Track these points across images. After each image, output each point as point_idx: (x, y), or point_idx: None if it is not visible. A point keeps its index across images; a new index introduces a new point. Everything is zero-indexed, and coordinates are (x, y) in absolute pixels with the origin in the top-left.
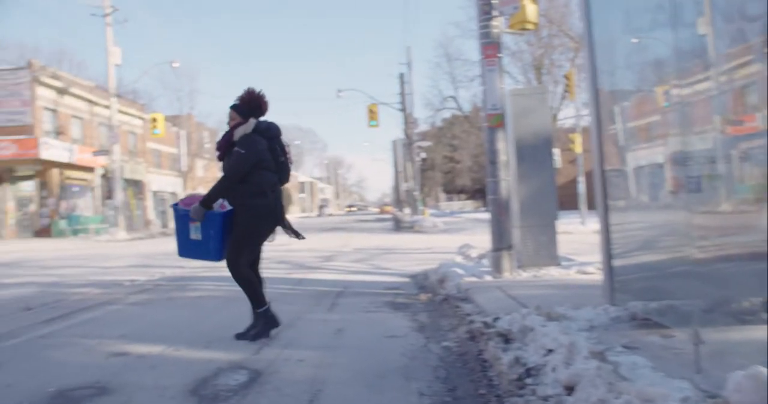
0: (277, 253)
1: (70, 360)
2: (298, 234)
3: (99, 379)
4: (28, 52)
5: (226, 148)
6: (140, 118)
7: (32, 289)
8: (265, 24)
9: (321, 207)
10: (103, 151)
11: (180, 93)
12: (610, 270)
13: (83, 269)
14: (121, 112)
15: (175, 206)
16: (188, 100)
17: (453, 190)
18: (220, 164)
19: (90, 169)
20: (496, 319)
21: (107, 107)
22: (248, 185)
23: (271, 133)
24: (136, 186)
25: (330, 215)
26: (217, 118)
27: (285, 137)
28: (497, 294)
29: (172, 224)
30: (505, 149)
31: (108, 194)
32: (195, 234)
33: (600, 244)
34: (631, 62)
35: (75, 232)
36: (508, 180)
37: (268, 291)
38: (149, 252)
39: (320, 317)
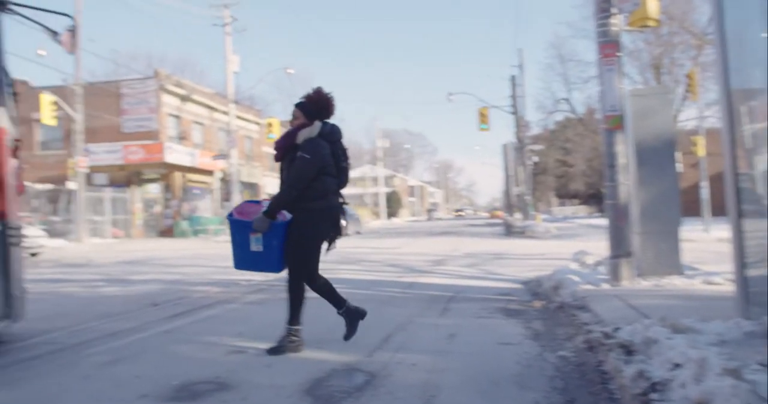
0: (386, 256)
1: (192, 355)
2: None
3: (219, 375)
4: (155, 62)
5: (286, 149)
6: (256, 123)
7: (157, 286)
8: (377, 28)
9: (430, 211)
10: (222, 155)
11: (294, 98)
12: (743, 281)
13: (203, 268)
14: (238, 117)
15: (230, 217)
16: None
17: (566, 195)
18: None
19: (209, 173)
20: (616, 329)
21: (226, 113)
22: (310, 190)
23: (335, 136)
24: (252, 189)
25: (439, 219)
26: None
27: (395, 141)
28: (616, 303)
29: None
30: (624, 152)
31: (226, 196)
32: (256, 245)
33: (731, 253)
34: (761, 59)
35: (195, 233)
36: (627, 184)
37: (378, 294)
38: None
39: (432, 321)
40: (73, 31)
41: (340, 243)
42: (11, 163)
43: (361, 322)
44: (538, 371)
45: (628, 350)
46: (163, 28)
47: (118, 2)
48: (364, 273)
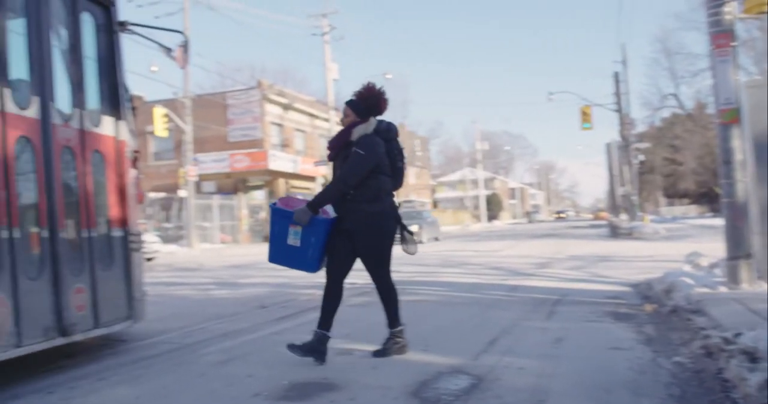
0: (489, 259)
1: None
2: (411, 249)
3: (326, 376)
4: (257, 73)
5: (340, 147)
6: None
7: (265, 289)
8: (474, 30)
9: (531, 213)
10: (324, 161)
11: (393, 103)
12: None
13: None
14: (338, 123)
15: (273, 206)
16: (401, 109)
17: (674, 195)
18: (340, 165)
19: (311, 178)
20: (737, 335)
21: (326, 120)
22: (364, 189)
23: (391, 134)
24: None
25: (541, 221)
26: (427, 127)
27: (494, 143)
28: (735, 307)
29: None
30: (740, 147)
31: None
32: (293, 239)
33: None
34: None
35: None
36: (745, 181)
37: (482, 297)
38: None
39: (538, 325)
40: (185, 47)
41: (441, 246)
42: (131, 174)
43: (466, 325)
44: (652, 377)
45: (752, 357)
46: (265, 40)
47: (221, 17)
48: (467, 276)
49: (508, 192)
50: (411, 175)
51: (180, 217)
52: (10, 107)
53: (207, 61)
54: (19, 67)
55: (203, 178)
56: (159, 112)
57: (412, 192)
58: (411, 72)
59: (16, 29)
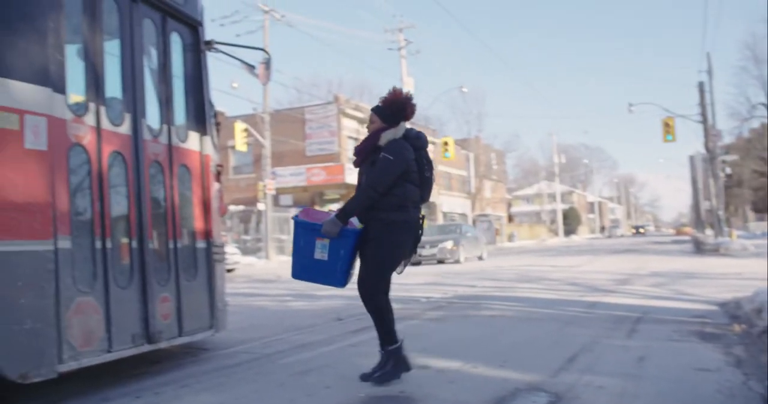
0: (566, 275)
1: None
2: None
3: (403, 389)
4: (334, 88)
5: (367, 153)
6: (432, 142)
7: (341, 302)
8: (552, 40)
9: (610, 227)
10: None
11: (468, 116)
12: None
13: None
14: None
15: (297, 218)
16: (476, 122)
17: (764, 209)
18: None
19: None
20: None
21: None
22: (390, 197)
23: (420, 142)
24: (427, 207)
25: (621, 236)
26: (503, 140)
27: (572, 156)
28: None
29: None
30: None
31: None
32: (321, 253)
33: None
34: None
35: None
36: None
37: (560, 313)
38: (441, 271)
39: (619, 343)
40: (267, 64)
41: (516, 260)
42: (215, 187)
43: (543, 341)
44: (743, 402)
45: None
46: (342, 55)
47: (300, 33)
48: (544, 291)
49: (586, 206)
50: (486, 189)
51: (258, 230)
52: (105, 124)
53: (285, 77)
54: (113, 86)
55: (281, 191)
56: (239, 127)
57: (487, 206)
58: (487, 84)
59: (112, 50)
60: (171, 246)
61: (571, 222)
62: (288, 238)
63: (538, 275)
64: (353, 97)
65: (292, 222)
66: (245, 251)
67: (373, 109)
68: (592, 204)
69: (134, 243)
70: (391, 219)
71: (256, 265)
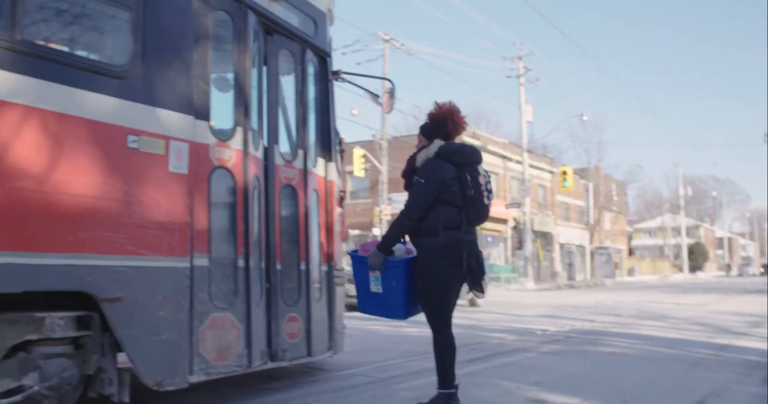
0: (693, 313)
1: (492, 400)
2: (481, 291)
3: None
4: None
5: (409, 175)
6: (549, 171)
7: (454, 330)
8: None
9: (741, 265)
10: (515, 204)
11: (588, 145)
12: None
13: (497, 315)
14: (531, 166)
15: (353, 253)
16: (596, 151)
17: None
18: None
19: (503, 221)
20: None
21: (519, 162)
22: (424, 222)
23: (463, 158)
24: (544, 238)
25: (753, 275)
26: (624, 170)
27: (699, 188)
28: None
29: (579, 276)
30: None
31: (518, 245)
32: (375, 286)
33: None
34: None
35: (488, 280)
36: None
37: (685, 354)
38: (557, 304)
39: (753, 390)
40: (390, 93)
41: (637, 296)
42: (337, 212)
43: (667, 382)
44: None
45: None
46: (460, 82)
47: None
48: (668, 330)
49: (714, 241)
50: (606, 220)
51: None
52: (245, 148)
53: (404, 104)
54: (253, 113)
55: (395, 216)
56: (358, 153)
57: (606, 238)
58: (608, 112)
59: (252, 79)
60: (302, 267)
61: (696, 257)
62: None
63: (662, 312)
64: (470, 125)
65: None
66: None
67: (420, 128)
68: (720, 239)
69: (263, 264)
70: (426, 247)
71: None
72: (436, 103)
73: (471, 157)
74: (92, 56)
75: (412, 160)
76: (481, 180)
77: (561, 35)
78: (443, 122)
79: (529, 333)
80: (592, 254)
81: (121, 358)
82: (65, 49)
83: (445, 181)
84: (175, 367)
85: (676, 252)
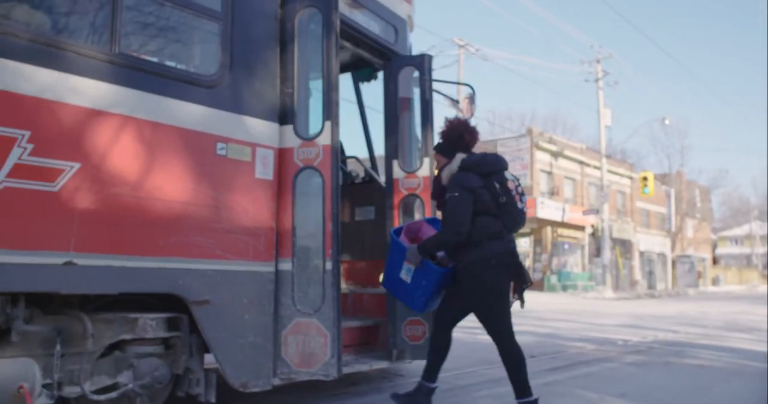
0: None
1: None
2: (523, 299)
3: None
4: (527, 120)
5: (440, 195)
6: (629, 177)
7: (532, 338)
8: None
9: None
10: (593, 211)
11: (670, 150)
12: None
13: (575, 324)
14: (610, 171)
15: (393, 232)
16: (678, 157)
17: None
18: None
19: (580, 228)
20: None
21: (597, 168)
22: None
23: (488, 166)
24: (623, 245)
25: None
26: (709, 175)
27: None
28: None
29: (660, 285)
30: None
31: (596, 252)
32: (405, 275)
33: None
34: None
35: (564, 288)
36: None
37: None
38: (638, 313)
39: None
40: (471, 98)
41: (724, 307)
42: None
43: (757, 399)
44: None
45: None
46: (535, 87)
47: (493, 66)
48: (759, 343)
49: None
50: (688, 228)
51: None
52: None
53: (479, 110)
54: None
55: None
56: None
57: (689, 246)
58: (691, 115)
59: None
60: None
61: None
62: None
63: (750, 325)
64: (547, 130)
65: None
66: None
67: (435, 148)
68: None
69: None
70: (472, 258)
71: None
72: (447, 120)
73: (495, 164)
74: (183, 66)
75: (437, 180)
76: (510, 185)
77: (640, 36)
78: (460, 136)
79: (610, 343)
80: (673, 262)
81: (208, 359)
82: (158, 60)
83: (476, 190)
84: (260, 369)
85: (765, 262)
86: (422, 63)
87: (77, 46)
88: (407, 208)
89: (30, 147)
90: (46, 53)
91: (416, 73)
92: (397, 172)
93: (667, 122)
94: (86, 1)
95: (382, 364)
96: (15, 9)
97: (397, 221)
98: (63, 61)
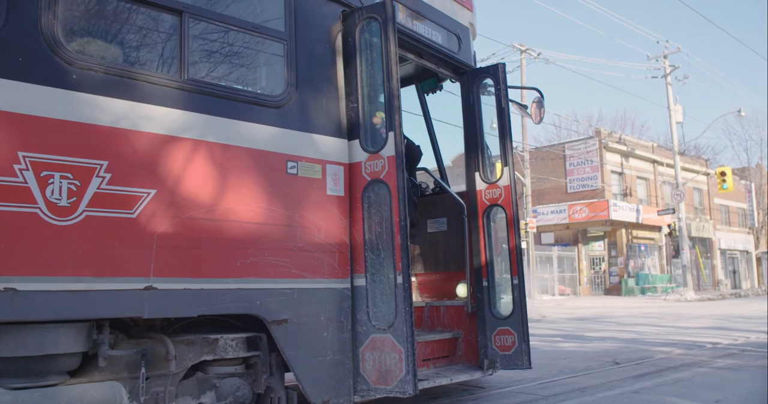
0: None
1: None
2: None
3: None
4: (594, 121)
5: None
6: (705, 173)
7: (615, 344)
8: None
9: None
10: (669, 210)
11: (747, 143)
12: None
13: (658, 328)
14: (684, 169)
15: None
16: (757, 149)
17: None
18: None
19: (656, 228)
20: None
21: (670, 166)
22: None
23: None
24: (702, 244)
25: None
26: None
27: None
28: None
29: (745, 284)
30: None
31: (674, 253)
32: None
33: None
34: None
35: (643, 291)
36: None
37: None
38: (724, 314)
39: None
40: (539, 103)
41: None
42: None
43: None
44: None
45: None
46: (601, 87)
47: (556, 69)
48: None
49: None
50: None
51: None
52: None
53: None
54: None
55: (542, 229)
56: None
57: None
58: None
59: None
60: (515, 282)
61: None
62: (550, 277)
63: None
64: (615, 130)
65: (555, 260)
66: None
67: None
68: None
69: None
70: None
71: None
72: None
73: None
74: (250, 88)
75: None
76: None
77: (709, 25)
78: None
79: (698, 347)
80: (758, 260)
81: (289, 377)
82: (226, 83)
83: None
84: (340, 387)
85: None
86: (497, 73)
87: (148, 76)
88: (490, 218)
89: (108, 176)
90: (118, 84)
91: (491, 83)
92: (480, 184)
93: (743, 114)
94: (154, 32)
95: (466, 377)
96: (89, 44)
97: (482, 232)
98: (135, 90)
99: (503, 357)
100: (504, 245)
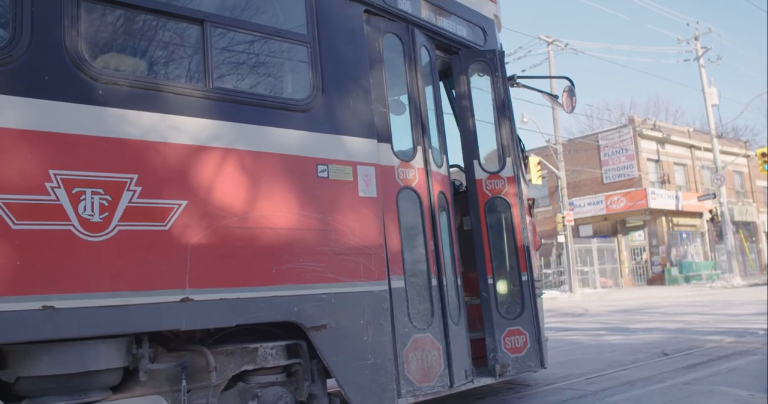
0: None
1: None
2: None
3: None
4: (627, 109)
5: None
6: (744, 155)
7: (662, 335)
8: None
9: None
10: (709, 195)
11: None
12: None
13: (706, 316)
14: (723, 152)
15: None
16: None
17: None
18: None
19: (697, 214)
20: None
21: (708, 150)
22: None
23: None
24: (746, 228)
25: None
26: None
27: None
28: None
29: None
30: None
31: (717, 239)
32: None
33: None
34: None
35: (687, 279)
36: None
37: None
38: None
39: None
40: (570, 92)
41: None
42: (529, 221)
43: None
44: None
45: None
46: (632, 74)
47: (586, 59)
48: None
49: None
50: None
51: (559, 262)
52: (431, 166)
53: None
54: (433, 131)
55: (579, 221)
56: (533, 160)
57: None
58: None
59: (428, 98)
60: (524, 278)
61: None
62: (590, 270)
63: None
64: (649, 117)
65: (594, 253)
66: (547, 285)
67: None
68: None
69: (459, 280)
70: None
71: (560, 299)
72: None
73: None
74: (277, 94)
75: None
76: None
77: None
78: None
79: (750, 334)
80: None
81: (331, 384)
82: (252, 90)
83: None
84: (384, 391)
85: None
86: (493, 58)
87: (173, 87)
88: (492, 211)
89: (138, 189)
90: (144, 97)
91: (487, 69)
92: (479, 173)
93: None
94: (177, 43)
95: (488, 380)
96: (113, 59)
97: (484, 225)
98: (161, 102)
99: (515, 360)
100: (511, 239)
